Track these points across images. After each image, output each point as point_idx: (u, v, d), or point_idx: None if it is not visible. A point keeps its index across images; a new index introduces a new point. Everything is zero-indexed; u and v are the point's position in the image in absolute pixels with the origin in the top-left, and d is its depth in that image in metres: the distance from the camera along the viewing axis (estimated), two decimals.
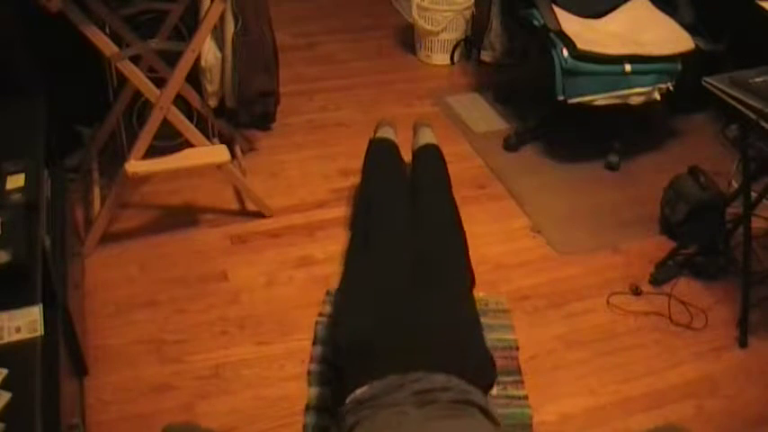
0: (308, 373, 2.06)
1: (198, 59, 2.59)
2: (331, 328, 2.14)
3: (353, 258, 2.28)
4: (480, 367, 1.81)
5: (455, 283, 2.08)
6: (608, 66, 2.72)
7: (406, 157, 2.67)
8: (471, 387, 1.68)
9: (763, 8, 2.45)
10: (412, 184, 2.49)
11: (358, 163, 2.63)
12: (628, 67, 2.73)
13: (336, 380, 1.89)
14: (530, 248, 2.58)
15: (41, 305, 1.51)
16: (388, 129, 2.77)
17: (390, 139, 2.68)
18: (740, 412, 2.02)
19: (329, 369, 2.05)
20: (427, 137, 2.74)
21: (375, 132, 2.79)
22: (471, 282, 2.15)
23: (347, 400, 1.68)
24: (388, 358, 1.74)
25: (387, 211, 2.29)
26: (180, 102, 2.55)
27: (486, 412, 1.62)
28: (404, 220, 2.25)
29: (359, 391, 1.67)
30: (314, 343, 2.15)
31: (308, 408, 1.96)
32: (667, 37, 2.87)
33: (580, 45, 2.71)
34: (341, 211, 2.70)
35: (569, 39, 2.73)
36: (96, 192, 2.62)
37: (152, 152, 2.42)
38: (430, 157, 2.63)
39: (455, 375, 1.68)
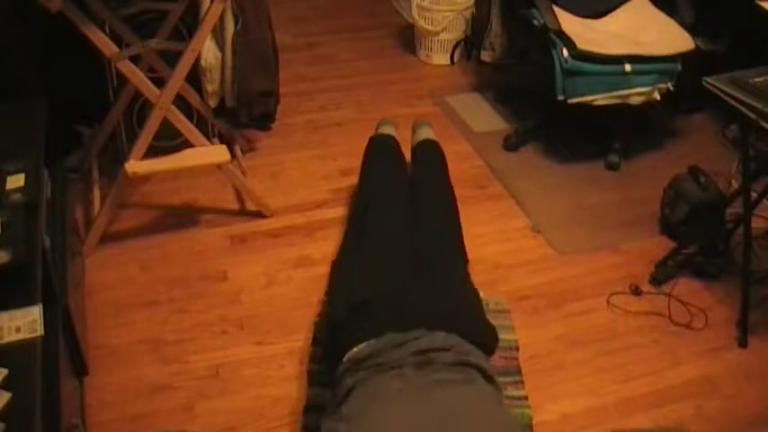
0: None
1: (198, 59, 2.59)
2: (329, 295, 2.12)
3: (350, 240, 2.28)
4: (481, 330, 1.80)
5: (453, 263, 2.09)
6: (608, 66, 2.72)
7: (406, 155, 2.67)
8: (471, 347, 1.66)
9: (763, 8, 2.45)
10: (411, 178, 2.50)
11: (358, 163, 2.63)
12: (628, 67, 2.73)
13: (334, 338, 1.86)
14: (530, 248, 2.58)
15: (41, 305, 1.51)
16: (389, 126, 2.78)
17: (391, 135, 2.69)
18: (740, 412, 2.02)
19: (327, 330, 2.02)
20: (426, 133, 2.75)
21: (376, 130, 2.80)
22: (466, 261, 2.17)
23: (345, 359, 1.66)
24: (387, 316, 1.72)
25: (385, 199, 2.30)
26: (180, 102, 2.55)
27: (486, 374, 1.61)
28: (402, 207, 2.26)
29: (356, 349, 1.65)
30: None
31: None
32: (667, 37, 2.87)
33: (580, 45, 2.72)
34: (341, 211, 2.70)
35: (569, 39, 2.73)
36: (96, 192, 2.62)
37: (152, 152, 2.42)
38: (428, 149, 2.65)
39: (455, 334, 1.67)
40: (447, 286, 1.92)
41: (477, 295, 1.97)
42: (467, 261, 2.21)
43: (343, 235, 2.47)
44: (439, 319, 1.71)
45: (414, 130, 2.83)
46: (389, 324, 1.69)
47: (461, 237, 2.27)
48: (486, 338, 1.79)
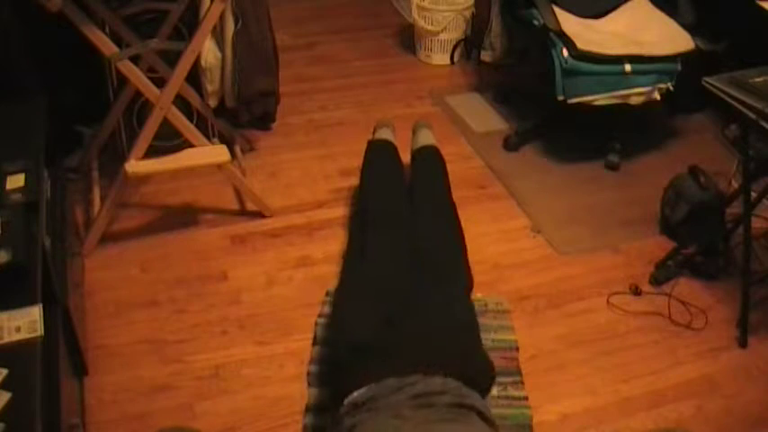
0: (308, 373, 2.06)
1: (198, 59, 2.59)
2: (330, 331, 2.14)
3: (351, 261, 2.29)
4: (478, 370, 1.81)
5: (453, 285, 2.08)
6: (608, 66, 2.72)
7: (405, 157, 2.67)
8: (469, 390, 1.68)
9: (763, 8, 2.45)
10: (410, 186, 2.49)
11: (358, 163, 2.63)
12: (628, 67, 2.73)
13: (335, 379, 1.89)
14: (530, 248, 2.58)
15: (41, 305, 1.51)
16: (386, 130, 2.77)
17: (389, 141, 2.68)
18: (740, 412, 2.02)
19: (329, 369, 2.05)
20: (426, 138, 2.74)
21: (373, 133, 2.79)
22: (470, 284, 2.15)
23: (344, 402, 1.68)
24: (385, 361, 1.74)
25: (384, 214, 2.29)
26: (180, 102, 2.55)
27: (483, 416, 1.62)
28: (402, 224, 2.25)
29: (356, 393, 1.67)
30: (314, 343, 2.15)
31: (307, 408, 1.96)
32: (667, 37, 2.87)
33: (580, 45, 2.71)
34: (341, 211, 2.70)
35: (569, 39, 2.73)
36: (96, 192, 2.62)
37: (152, 152, 2.42)
38: (428, 158, 2.62)
39: (453, 378, 1.68)
40: (445, 322, 1.91)
41: (476, 323, 1.96)
42: (471, 282, 2.16)
43: (344, 256, 2.43)
44: (437, 362, 1.72)
45: (414, 133, 2.82)
46: (388, 368, 1.70)
47: (463, 254, 2.22)
48: (482, 379, 1.80)
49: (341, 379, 1.79)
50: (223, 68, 2.72)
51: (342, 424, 1.64)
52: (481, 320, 2.15)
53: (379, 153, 2.63)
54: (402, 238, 2.18)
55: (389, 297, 1.96)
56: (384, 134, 2.73)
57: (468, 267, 2.19)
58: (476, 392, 1.70)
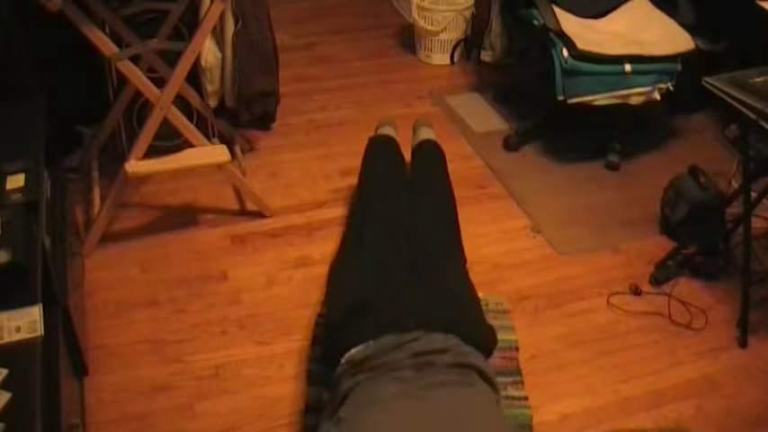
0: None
1: (198, 59, 2.59)
2: (327, 297, 2.12)
3: (349, 247, 2.28)
4: (479, 330, 1.80)
5: (452, 263, 2.09)
6: (608, 66, 2.72)
7: (406, 155, 2.67)
8: (470, 348, 1.66)
9: (763, 8, 2.45)
10: (411, 180, 2.50)
11: (358, 163, 2.62)
12: (628, 67, 2.73)
13: (331, 340, 1.86)
14: (530, 248, 2.58)
15: (41, 305, 1.51)
16: (388, 127, 2.78)
17: (390, 136, 2.69)
18: (740, 412, 2.02)
19: (325, 332, 2.02)
20: (426, 134, 2.75)
21: (375, 131, 2.79)
22: (464, 260, 2.17)
23: (342, 360, 1.66)
24: (385, 317, 1.72)
25: (384, 205, 2.30)
26: (180, 102, 2.55)
27: (484, 375, 1.61)
28: (402, 214, 2.26)
29: (354, 351, 1.65)
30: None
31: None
32: (667, 37, 2.87)
33: (580, 45, 2.71)
34: (341, 211, 2.70)
35: (569, 39, 2.73)
36: (96, 192, 2.62)
37: (152, 152, 2.42)
38: (428, 150, 2.65)
39: (453, 335, 1.66)
40: (446, 287, 1.92)
41: (476, 295, 1.97)
42: (465, 261, 2.21)
43: (342, 236, 2.48)
44: (437, 321, 1.71)
45: (414, 131, 2.83)
46: (388, 326, 1.68)
47: (460, 237, 2.27)
48: (484, 339, 1.79)
49: (339, 338, 1.76)
50: (223, 68, 2.72)
51: (340, 385, 1.61)
52: None
53: (381, 147, 2.64)
54: (402, 227, 2.18)
55: (388, 268, 1.96)
56: (386, 130, 2.75)
57: (464, 256, 2.21)
58: (477, 351, 1.68)
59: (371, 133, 2.79)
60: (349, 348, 1.67)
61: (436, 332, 1.66)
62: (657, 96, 2.82)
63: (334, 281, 2.09)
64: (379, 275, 1.92)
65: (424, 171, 2.54)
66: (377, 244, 2.09)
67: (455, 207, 2.38)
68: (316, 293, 2.33)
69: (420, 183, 2.46)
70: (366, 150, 2.63)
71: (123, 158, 2.43)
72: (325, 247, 2.53)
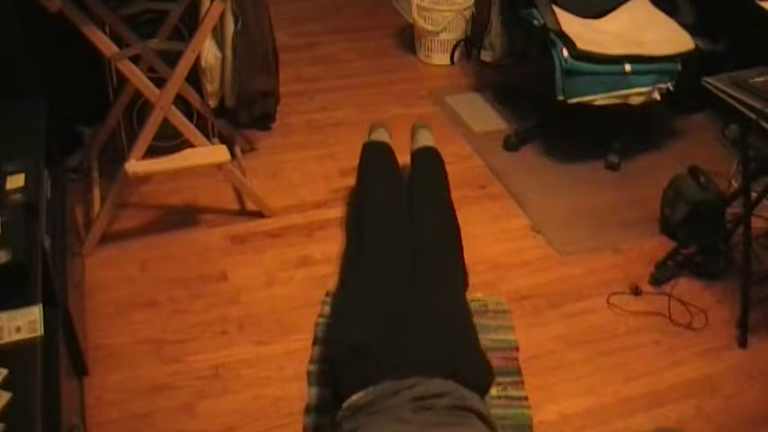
0: (308, 373, 2.06)
1: (198, 59, 2.59)
2: (328, 334, 2.13)
3: (349, 266, 2.29)
4: (477, 371, 1.80)
5: (451, 287, 2.08)
6: (608, 66, 2.72)
7: (405, 157, 2.67)
8: (468, 392, 1.67)
9: (763, 8, 2.45)
10: (409, 188, 2.49)
11: (358, 163, 2.63)
12: (628, 67, 2.73)
13: (334, 379, 1.88)
14: (530, 248, 2.58)
15: (41, 305, 1.51)
16: (381, 131, 2.76)
17: (384, 142, 2.67)
18: (740, 412, 2.02)
19: (329, 369, 2.05)
20: (425, 139, 2.73)
21: (369, 135, 2.78)
22: (465, 285, 2.16)
23: (344, 406, 1.68)
24: (384, 364, 1.73)
25: (381, 216, 2.29)
26: (180, 102, 2.55)
27: (483, 418, 1.62)
28: (399, 225, 2.25)
29: (355, 397, 1.67)
30: (314, 343, 2.15)
31: (307, 408, 1.96)
32: (667, 37, 2.87)
33: (580, 45, 2.71)
34: (341, 211, 2.70)
35: (569, 39, 2.73)
36: (96, 192, 2.62)
37: (152, 152, 2.42)
38: (427, 160, 2.62)
39: (452, 380, 1.68)
40: (443, 323, 1.90)
41: (472, 322, 1.96)
42: (466, 275, 2.19)
43: (342, 256, 2.44)
44: (436, 364, 1.72)
45: (412, 134, 2.81)
46: (387, 370, 1.70)
47: (461, 257, 2.24)
48: (481, 380, 1.80)
49: (340, 381, 1.79)
50: (223, 68, 2.72)
51: (341, 428, 1.64)
52: (481, 320, 2.16)
53: (376, 155, 2.63)
54: (400, 238, 2.17)
55: (387, 298, 1.96)
56: (379, 135, 2.72)
57: (465, 268, 2.20)
58: (475, 394, 1.69)
59: (368, 135, 2.79)
60: (350, 393, 1.69)
61: (434, 377, 1.68)
62: (657, 96, 2.82)
63: (335, 315, 2.08)
64: (378, 311, 1.90)
65: (423, 187, 2.50)
66: (376, 272, 2.06)
67: (455, 219, 2.34)
68: (316, 293, 2.33)
69: (419, 196, 2.42)
70: (361, 158, 2.61)
71: (123, 158, 2.43)
72: (326, 247, 2.53)
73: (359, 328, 1.85)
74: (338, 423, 1.67)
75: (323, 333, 2.17)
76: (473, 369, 1.79)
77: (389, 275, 2.04)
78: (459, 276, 2.16)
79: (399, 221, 2.26)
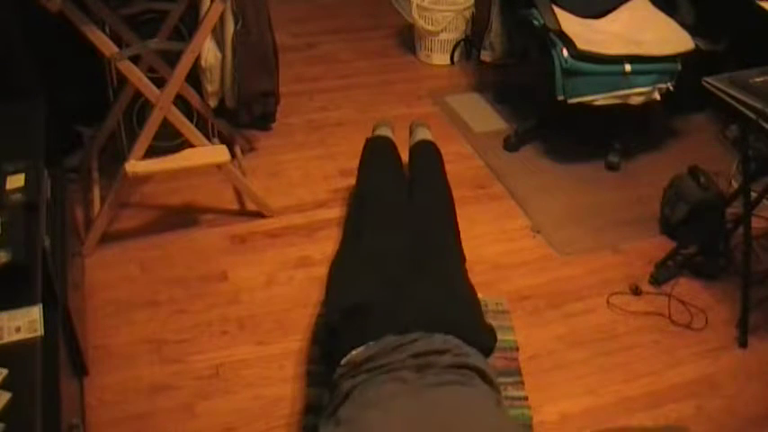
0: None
1: (198, 59, 2.59)
2: (326, 297, 2.13)
3: (348, 244, 2.28)
4: (478, 330, 1.80)
5: (451, 262, 2.09)
6: (608, 66, 2.72)
7: (404, 156, 2.67)
8: (470, 349, 1.66)
9: (763, 8, 2.46)
10: (409, 178, 2.50)
11: (358, 163, 2.63)
12: (628, 67, 2.73)
13: (331, 343, 1.85)
14: (530, 248, 2.58)
15: (41, 305, 1.51)
16: (385, 128, 2.78)
17: (387, 136, 2.69)
18: (740, 412, 2.02)
19: (325, 336, 2.02)
20: (423, 134, 2.75)
21: (373, 132, 2.80)
22: (463, 259, 2.17)
23: (342, 362, 1.66)
24: (385, 319, 1.72)
25: (382, 201, 2.31)
26: (180, 102, 2.55)
27: (484, 376, 1.61)
28: (399, 208, 2.26)
29: (355, 352, 1.65)
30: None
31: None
32: (667, 37, 2.87)
33: (580, 45, 2.71)
34: (341, 211, 2.70)
35: (569, 39, 2.73)
36: (96, 192, 2.62)
37: (152, 152, 2.42)
38: (425, 149, 2.65)
39: (453, 335, 1.67)
40: (445, 286, 1.91)
41: (475, 295, 1.97)
42: (464, 259, 2.21)
43: (341, 237, 2.47)
44: (437, 321, 1.71)
45: (411, 132, 2.83)
46: (387, 326, 1.69)
47: (458, 235, 2.27)
48: (484, 339, 1.79)
49: (338, 339, 1.76)
50: (223, 68, 2.72)
51: (340, 387, 1.61)
52: None
53: (378, 147, 2.64)
54: (400, 224, 2.18)
55: (388, 265, 1.96)
56: (383, 131, 2.75)
57: (462, 248, 2.21)
58: (477, 351, 1.68)
59: (371, 133, 2.79)
60: (349, 350, 1.67)
61: (436, 333, 1.66)
62: (657, 96, 2.82)
63: (333, 280, 2.09)
64: (378, 274, 1.92)
65: (421, 170, 2.54)
66: (375, 241, 2.09)
67: (453, 205, 2.38)
68: (316, 293, 2.33)
69: (418, 182, 2.46)
70: (363, 151, 2.63)
71: (123, 158, 2.43)
72: (326, 247, 2.53)
73: (356, 290, 1.85)
74: (336, 382, 1.64)
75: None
76: (474, 327, 1.79)
77: (389, 245, 2.04)
78: (459, 256, 2.17)
79: (400, 209, 2.27)
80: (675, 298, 2.37)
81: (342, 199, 2.76)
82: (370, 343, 1.65)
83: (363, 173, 2.53)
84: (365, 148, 2.64)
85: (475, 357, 1.65)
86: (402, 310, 1.76)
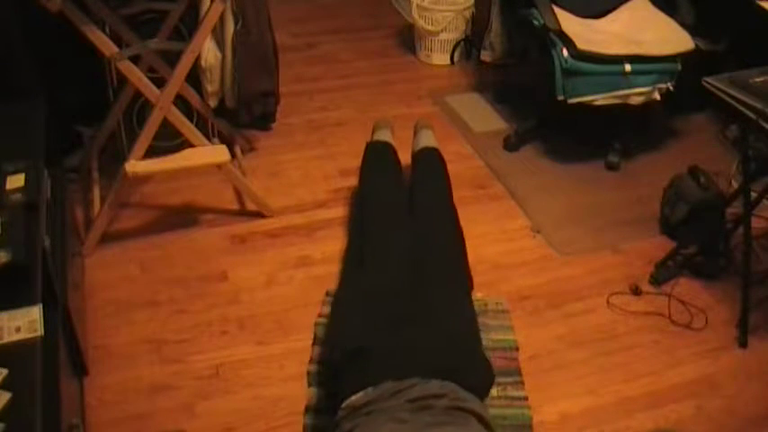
0: (308, 373, 2.06)
1: (198, 59, 2.59)
2: (328, 337, 2.13)
3: (351, 269, 2.29)
4: (477, 372, 1.80)
5: (453, 288, 2.08)
6: (608, 66, 2.72)
7: (405, 157, 2.67)
8: (467, 393, 1.67)
9: (763, 8, 2.46)
10: (410, 189, 2.49)
11: (358, 163, 2.63)
12: (628, 67, 2.73)
13: (332, 381, 1.88)
14: (530, 248, 2.58)
15: (41, 305, 1.51)
16: (385, 131, 2.76)
17: (387, 142, 2.67)
18: (740, 412, 2.02)
19: (327, 370, 2.05)
20: (427, 139, 2.73)
21: (372, 134, 2.78)
22: (470, 285, 2.15)
23: (342, 406, 1.68)
24: (383, 364, 1.73)
25: (384, 219, 2.29)
26: (180, 102, 2.55)
27: (482, 419, 1.62)
28: (402, 228, 2.25)
29: (354, 398, 1.67)
30: (314, 343, 2.15)
31: (307, 408, 1.96)
32: (667, 37, 2.87)
33: (580, 45, 2.71)
34: (341, 211, 2.70)
35: (569, 39, 2.73)
36: (96, 192, 2.62)
37: (152, 152, 2.42)
38: (429, 161, 2.61)
39: (451, 381, 1.68)
40: (445, 327, 1.90)
41: (476, 327, 1.96)
42: (469, 279, 2.17)
43: (343, 263, 2.44)
44: (435, 366, 1.72)
45: (415, 133, 2.81)
46: (387, 372, 1.70)
47: (464, 255, 2.23)
48: (481, 382, 1.79)
49: (339, 382, 1.79)
50: (223, 68, 2.72)
51: (340, 427, 1.64)
52: (481, 320, 2.16)
53: (378, 156, 2.62)
54: (402, 242, 2.17)
55: (388, 303, 1.96)
56: (382, 135, 2.73)
57: (468, 268, 2.19)
58: (474, 396, 1.69)
59: (371, 133, 2.79)
60: (349, 394, 1.69)
61: (434, 378, 1.67)
62: (657, 96, 2.82)
63: (337, 316, 2.07)
64: (380, 313, 1.91)
65: (425, 186, 2.49)
66: (378, 274, 2.06)
67: (458, 222, 2.34)
68: (316, 293, 2.33)
69: (421, 198, 2.41)
70: (363, 159, 2.61)
71: (123, 158, 2.43)
72: (326, 247, 2.53)
73: (359, 332, 1.85)
74: (337, 423, 1.67)
75: (323, 334, 2.17)
76: (473, 371, 1.79)
77: (390, 279, 2.04)
78: (463, 278, 2.15)
79: (401, 225, 2.26)
80: (675, 298, 2.37)
81: (342, 199, 2.76)
82: (369, 389, 1.67)
83: (364, 188, 2.50)
84: (365, 155, 2.62)
85: (472, 402, 1.66)
86: (401, 355, 1.77)
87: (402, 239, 2.18)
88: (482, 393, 1.77)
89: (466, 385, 1.69)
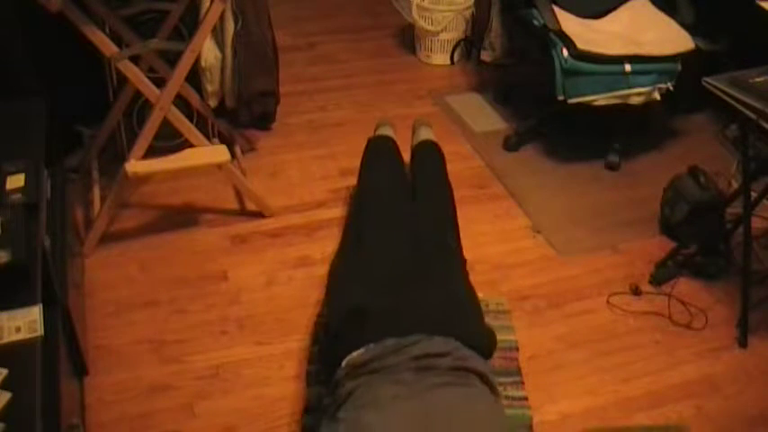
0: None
1: (198, 59, 2.59)
2: (328, 293, 2.12)
3: (348, 249, 2.28)
4: (478, 333, 1.80)
5: (451, 264, 2.09)
6: (608, 66, 2.72)
7: (406, 157, 2.67)
8: (470, 351, 1.67)
9: (763, 8, 2.45)
10: (412, 177, 2.50)
11: (358, 163, 2.62)
12: (628, 68, 2.73)
13: (333, 348, 1.86)
14: (530, 248, 2.58)
15: (41, 305, 1.51)
16: (387, 128, 2.78)
17: (389, 136, 2.69)
18: (740, 412, 2.02)
19: (325, 340, 2.02)
20: (426, 134, 2.75)
21: (374, 132, 2.80)
22: (464, 261, 2.18)
23: (343, 364, 1.66)
24: (385, 321, 1.72)
25: (383, 202, 2.31)
26: (180, 102, 2.55)
27: (485, 379, 1.61)
28: (400, 209, 2.26)
29: (355, 354, 1.65)
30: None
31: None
32: (667, 37, 2.87)
33: (580, 45, 2.71)
34: (341, 211, 2.70)
35: (569, 39, 2.73)
36: (96, 192, 2.62)
37: (152, 152, 2.42)
38: (427, 150, 2.65)
39: (454, 338, 1.67)
40: (445, 289, 1.92)
41: (476, 297, 1.97)
42: (465, 262, 2.21)
43: (341, 239, 2.47)
44: (437, 323, 1.71)
45: (413, 131, 2.83)
46: (388, 329, 1.69)
47: (459, 237, 2.27)
48: (484, 342, 1.79)
49: (339, 342, 1.76)
50: (223, 68, 2.72)
51: (340, 387, 1.62)
52: None
53: (380, 148, 2.64)
54: (401, 227, 2.18)
55: (388, 268, 1.96)
56: (385, 131, 2.75)
57: (462, 251, 2.21)
58: (478, 355, 1.68)
59: (371, 133, 2.80)
60: (349, 352, 1.67)
61: (436, 335, 1.66)
62: (657, 96, 2.82)
63: (333, 284, 2.09)
64: (379, 277, 1.92)
65: (423, 172, 2.54)
66: (376, 244, 2.09)
67: (454, 207, 2.38)
68: (316, 293, 2.33)
69: (419, 183, 2.46)
70: (365, 151, 2.63)
71: (123, 158, 2.43)
72: (326, 247, 2.53)
73: (359, 292, 1.85)
74: (337, 383, 1.65)
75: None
76: (474, 330, 1.79)
77: (389, 248, 2.05)
78: (460, 260, 2.17)
79: (401, 211, 2.26)
80: (675, 298, 2.37)
81: (342, 199, 2.76)
82: (370, 345, 1.65)
83: (364, 173, 2.53)
84: (367, 147, 2.64)
85: (475, 360, 1.65)
86: (402, 313, 1.77)
87: (401, 224, 2.19)
88: (484, 355, 1.76)
89: (468, 345, 1.69)
